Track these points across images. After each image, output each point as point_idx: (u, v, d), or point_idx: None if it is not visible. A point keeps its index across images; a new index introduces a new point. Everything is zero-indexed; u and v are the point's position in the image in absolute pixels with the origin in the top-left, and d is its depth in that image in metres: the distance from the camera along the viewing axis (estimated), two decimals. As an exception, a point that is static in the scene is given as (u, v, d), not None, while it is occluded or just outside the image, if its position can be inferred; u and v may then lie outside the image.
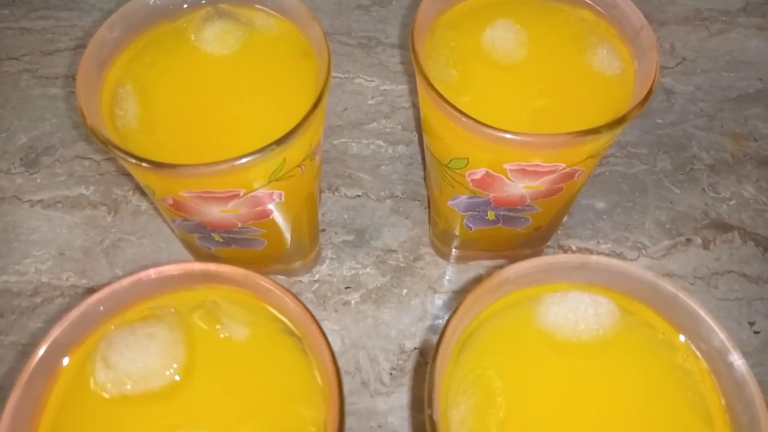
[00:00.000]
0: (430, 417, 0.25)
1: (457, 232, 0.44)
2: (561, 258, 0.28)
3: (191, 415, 0.26)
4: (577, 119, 0.34)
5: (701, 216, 0.51)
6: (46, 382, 0.27)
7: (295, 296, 0.27)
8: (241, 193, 0.33)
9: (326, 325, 0.47)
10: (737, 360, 0.26)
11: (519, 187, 0.36)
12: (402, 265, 0.49)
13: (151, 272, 0.28)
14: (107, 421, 0.27)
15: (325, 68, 0.34)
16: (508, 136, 0.31)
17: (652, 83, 0.33)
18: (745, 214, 0.51)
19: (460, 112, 0.32)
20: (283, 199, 0.36)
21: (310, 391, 0.27)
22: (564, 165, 0.34)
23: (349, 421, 0.43)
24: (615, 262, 0.28)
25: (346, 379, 0.45)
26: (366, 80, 0.57)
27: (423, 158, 0.53)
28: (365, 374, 0.45)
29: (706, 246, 0.49)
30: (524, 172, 0.34)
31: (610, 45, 0.37)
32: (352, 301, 0.47)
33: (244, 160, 0.30)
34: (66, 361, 0.27)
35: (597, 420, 0.27)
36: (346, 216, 0.51)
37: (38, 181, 0.52)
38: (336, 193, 0.51)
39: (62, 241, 0.49)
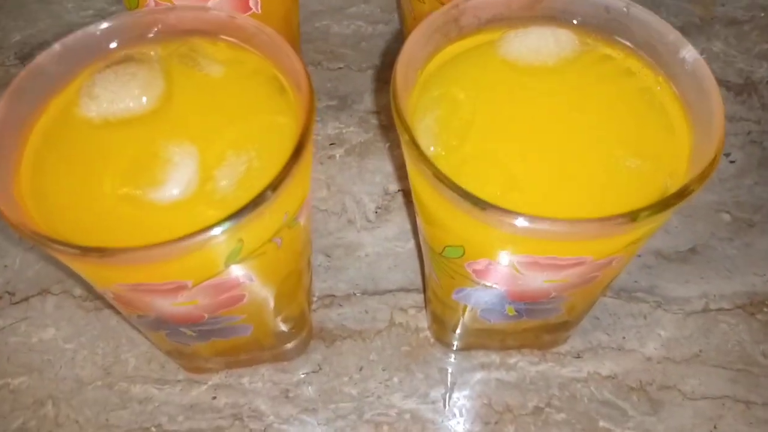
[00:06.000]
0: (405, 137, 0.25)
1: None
2: (518, -12, 0.30)
3: (172, 131, 0.28)
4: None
5: (673, 68, 0.52)
6: (32, 106, 0.28)
7: (275, 33, 0.29)
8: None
9: (311, 176, 0.48)
10: (689, 52, 0.27)
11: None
12: (384, 123, 0.50)
13: (131, 13, 0.29)
14: (92, 143, 0.28)
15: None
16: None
17: None
18: (715, 65, 0.52)
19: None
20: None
21: (284, 106, 0.28)
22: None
23: (337, 252, 0.44)
24: (569, -13, 0.30)
25: (332, 219, 0.46)
26: (345, -27, 0.59)
27: (403, 35, 0.55)
28: (351, 213, 0.45)
29: (679, 95, 0.51)
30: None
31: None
32: (337, 155, 0.48)
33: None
34: (51, 95, 0.29)
35: (560, 125, 0.28)
36: (329, 85, 0.52)
37: (32, 70, 0.54)
38: (318, 67, 0.53)
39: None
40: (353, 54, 0.54)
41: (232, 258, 0.25)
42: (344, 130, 0.50)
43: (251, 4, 0.37)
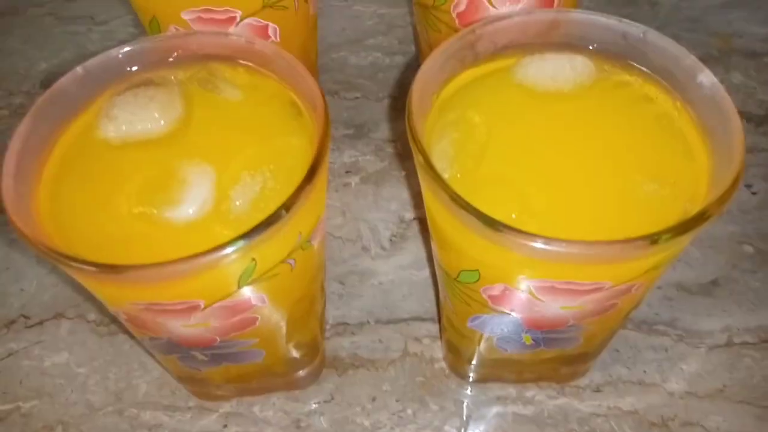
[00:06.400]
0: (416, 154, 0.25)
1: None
2: (534, 15, 0.30)
3: (189, 152, 0.28)
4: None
5: (692, 100, 0.52)
6: (53, 127, 0.28)
7: (293, 58, 0.29)
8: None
9: (327, 203, 0.48)
10: (706, 76, 0.27)
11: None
12: (400, 152, 0.50)
13: (152, 38, 0.30)
14: (110, 163, 0.28)
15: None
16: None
17: None
18: (735, 97, 0.51)
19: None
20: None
21: (300, 129, 0.28)
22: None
23: (351, 279, 0.43)
24: (585, 15, 0.30)
25: (347, 246, 0.46)
26: (363, 7, 0.60)
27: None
28: (366, 241, 0.45)
29: (698, 126, 0.50)
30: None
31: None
32: (353, 183, 0.49)
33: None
34: (72, 117, 0.29)
35: (577, 150, 0.28)
36: (345, 114, 0.53)
37: (56, 99, 0.55)
38: (335, 96, 0.54)
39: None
40: (370, 84, 0.54)
41: (245, 278, 0.25)
42: (360, 159, 0.50)
43: (270, 32, 0.38)
